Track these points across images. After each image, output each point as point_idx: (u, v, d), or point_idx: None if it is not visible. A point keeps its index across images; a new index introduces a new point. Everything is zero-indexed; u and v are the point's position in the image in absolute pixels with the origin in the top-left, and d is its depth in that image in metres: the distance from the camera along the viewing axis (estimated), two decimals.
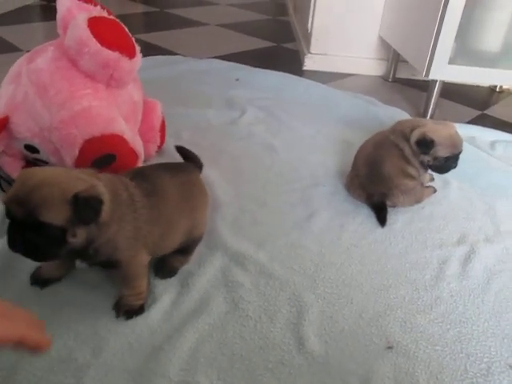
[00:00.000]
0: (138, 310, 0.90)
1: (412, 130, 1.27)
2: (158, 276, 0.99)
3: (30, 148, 1.20)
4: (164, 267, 1.00)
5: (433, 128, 1.26)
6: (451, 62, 1.66)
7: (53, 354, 0.81)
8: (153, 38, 2.75)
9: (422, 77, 1.83)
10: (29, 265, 0.94)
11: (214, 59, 2.38)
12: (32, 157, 1.23)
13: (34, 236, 0.73)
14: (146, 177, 0.93)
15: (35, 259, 0.79)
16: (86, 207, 0.74)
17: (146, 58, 2.14)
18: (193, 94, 1.93)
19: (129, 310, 0.89)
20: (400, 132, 1.29)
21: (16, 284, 0.94)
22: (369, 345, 0.90)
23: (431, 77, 1.70)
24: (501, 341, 0.93)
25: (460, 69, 1.69)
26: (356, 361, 0.86)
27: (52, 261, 0.86)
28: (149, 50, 2.45)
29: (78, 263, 0.95)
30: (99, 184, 0.79)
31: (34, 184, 0.73)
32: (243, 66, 2.31)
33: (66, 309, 0.90)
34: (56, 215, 0.72)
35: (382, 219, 1.24)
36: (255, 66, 2.31)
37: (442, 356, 0.89)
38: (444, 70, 1.68)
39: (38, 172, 0.77)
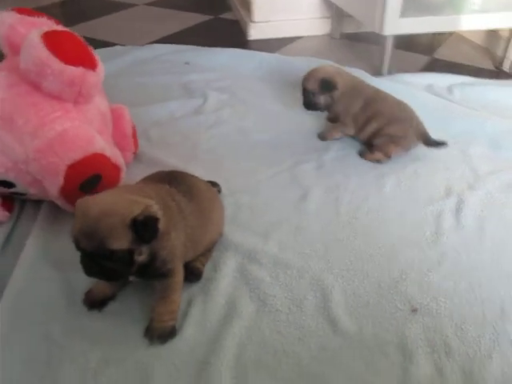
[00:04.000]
0: (171, 332, 0.90)
1: None
2: (186, 281, 0.97)
3: (5, 183, 1.13)
4: (190, 272, 0.99)
5: None
6: (402, 15, 1.69)
7: None
8: (81, 29, 2.58)
9: (368, 29, 1.85)
10: None
11: (155, 44, 2.29)
12: (9, 192, 1.17)
13: (107, 263, 0.80)
14: (180, 179, 1.00)
15: (110, 280, 0.87)
16: (144, 229, 0.80)
17: None
18: (146, 87, 1.86)
19: (162, 334, 0.89)
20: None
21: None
22: (395, 312, 0.95)
23: (385, 33, 1.72)
24: (506, 281, 1.02)
25: (411, 21, 1.73)
26: (388, 330, 0.91)
27: (123, 279, 0.91)
28: None
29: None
30: (152, 203, 0.84)
31: (96, 216, 0.78)
32: (188, 46, 2.23)
33: (101, 343, 0.89)
34: (122, 241, 0.79)
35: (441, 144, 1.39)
36: (199, 44, 2.24)
37: (461, 307, 0.96)
38: (397, 25, 1.71)
39: (95, 203, 0.81)
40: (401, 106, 1.42)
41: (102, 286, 0.96)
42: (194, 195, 0.98)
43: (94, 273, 0.82)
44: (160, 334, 0.89)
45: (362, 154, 1.43)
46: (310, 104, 1.47)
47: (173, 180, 0.98)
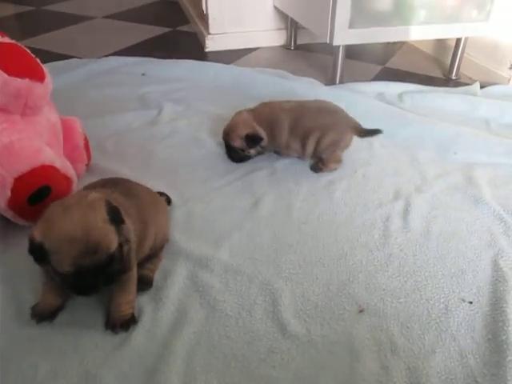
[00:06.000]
0: (132, 319, 0.93)
1: None
2: (138, 290, 0.98)
3: None
4: (140, 280, 1.00)
5: None
6: (351, 26, 1.75)
7: None
8: (38, 42, 2.56)
9: (321, 40, 1.90)
10: None
11: (112, 57, 2.29)
12: None
13: (109, 268, 0.83)
14: (116, 182, 1.02)
15: (110, 284, 0.87)
16: (117, 216, 0.85)
17: None
18: (103, 99, 1.86)
19: (124, 322, 0.92)
20: None
21: None
22: (343, 313, 0.97)
23: (335, 43, 1.77)
24: (450, 279, 1.05)
25: (360, 31, 1.78)
26: (336, 331, 0.93)
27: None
28: (38, 57, 2.30)
29: None
30: (103, 196, 0.88)
31: (83, 233, 0.79)
32: (145, 59, 2.25)
33: (49, 355, 0.87)
34: (114, 238, 0.83)
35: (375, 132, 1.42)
36: (157, 56, 2.26)
37: (407, 306, 0.98)
38: (346, 35, 1.77)
39: (69, 226, 0.79)
40: (325, 110, 1.42)
41: (50, 298, 0.94)
42: (131, 194, 1.00)
43: (95, 289, 0.84)
44: (122, 322, 0.92)
45: (314, 169, 1.44)
46: (241, 159, 1.45)
47: (108, 183, 1.01)
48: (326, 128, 1.39)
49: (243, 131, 1.39)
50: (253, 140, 1.40)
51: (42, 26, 2.86)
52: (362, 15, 1.75)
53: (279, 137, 1.42)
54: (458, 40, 2.05)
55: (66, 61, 2.23)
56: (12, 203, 1.07)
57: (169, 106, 1.78)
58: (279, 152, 1.49)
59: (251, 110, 1.45)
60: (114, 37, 2.68)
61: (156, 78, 2.04)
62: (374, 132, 1.42)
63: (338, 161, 1.43)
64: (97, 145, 1.51)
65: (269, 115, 1.43)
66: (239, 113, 1.45)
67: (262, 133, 1.40)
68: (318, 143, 1.40)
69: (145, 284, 1.01)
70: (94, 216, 0.81)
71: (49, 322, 0.94)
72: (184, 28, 2.84)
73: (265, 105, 1.47)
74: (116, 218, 0.84)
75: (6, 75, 1.05)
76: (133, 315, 0.94)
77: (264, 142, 1.41)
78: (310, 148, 1.41)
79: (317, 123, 1.40)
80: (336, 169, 1.43)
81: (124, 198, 0.96)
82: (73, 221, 0.80)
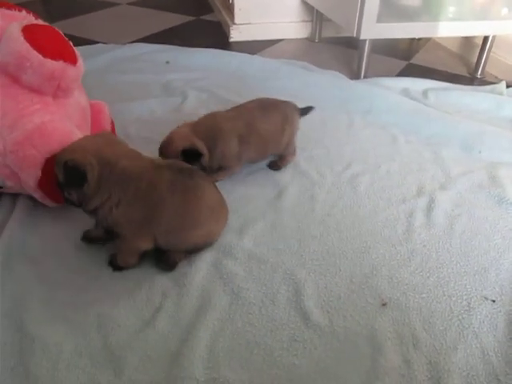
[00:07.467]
0: (117, 268, 1.03)
1: None
2: (158, 267, 1.03)
3: None
4: (165, 260, 1.03)
5: None
6: (379, 20, 1.73)
7: None
8: (63, 26, 2.55)
9: (346, 33, 1.89)
10: None
11: (137, 43, 2.31)
12: None
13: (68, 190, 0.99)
14: (191, 174, 1.02)
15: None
16: (69, 173, 0.94)
17: None
18: (127, 85, 1.87)
19: (115, 266, 1.04)
20: None
21: None
22: (365, 306, 0.97)
23: (362, 37, 1.77)
24: (473, 277, 1.05)
25: (388, 26, 1.77)
26: (359, 323, 0.94)
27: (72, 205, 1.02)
28: None
29: None
30: (90, 159, 0.94)
31: (63, 150, 0.98)
32: (169, 46, 2.25)
33: (74, 335, 0.89)
34: (58, 175, 0.97)
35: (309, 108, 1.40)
36: (181, 45, 2.27)
37: (429, 302, 0.99)
38: (374, 29, 1.75)
39: (81, 140, 1.02)
40: (268, 106, 1.33)
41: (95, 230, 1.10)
42: (196, 196, 1.01)
43: (64, 196, 1.01)
44: (115, 265, 1.04)
45: (273, 167, 1.40)
46: None
47: (183, 171, 1.01)
48: (283, 122, 1.32)
49: (179, 146, 1.20)
50: (191, 156, 1.20)
51: (68, 11, 2.88)
52: (390, 9, 1.74)
53: (227, 149, 1.27)
54: (486, 38, 2.02)
55: (90, 46, 2.25)
56: (42, 183, 1.09)
57: (193, 94, 1.78)
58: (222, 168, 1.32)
59: (192, 124, 1.28)
60: (138, 24, 2.69)
61: (180, 65, 2.05)
62: (307, 110, 1.38)
63: (295, 151, 1.40)
64: (120, 129, 1.52)
65: (211, 127, 1.26)
66: (178, 127, 1.27)
67: (203, 148, 1.23)
68: (284, 141, 1.35)
69: (168, 265, 1.03)
70: (62, 153, 0.96)
71: (87, 243, 1.10)
72: (208, 17, 2.84)
73: (207, 116, 1.31)
74: (65, 175, 0.95)
75: (41, 57, 1.06)
76: (119, 266, 1.03)
77: (204, 160, 1.24)
78: (280, 148, 1.36)
79: (273, 124, 1.31)
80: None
81: (171, 188, 0.98)
82: (77, 142, 1.00)
